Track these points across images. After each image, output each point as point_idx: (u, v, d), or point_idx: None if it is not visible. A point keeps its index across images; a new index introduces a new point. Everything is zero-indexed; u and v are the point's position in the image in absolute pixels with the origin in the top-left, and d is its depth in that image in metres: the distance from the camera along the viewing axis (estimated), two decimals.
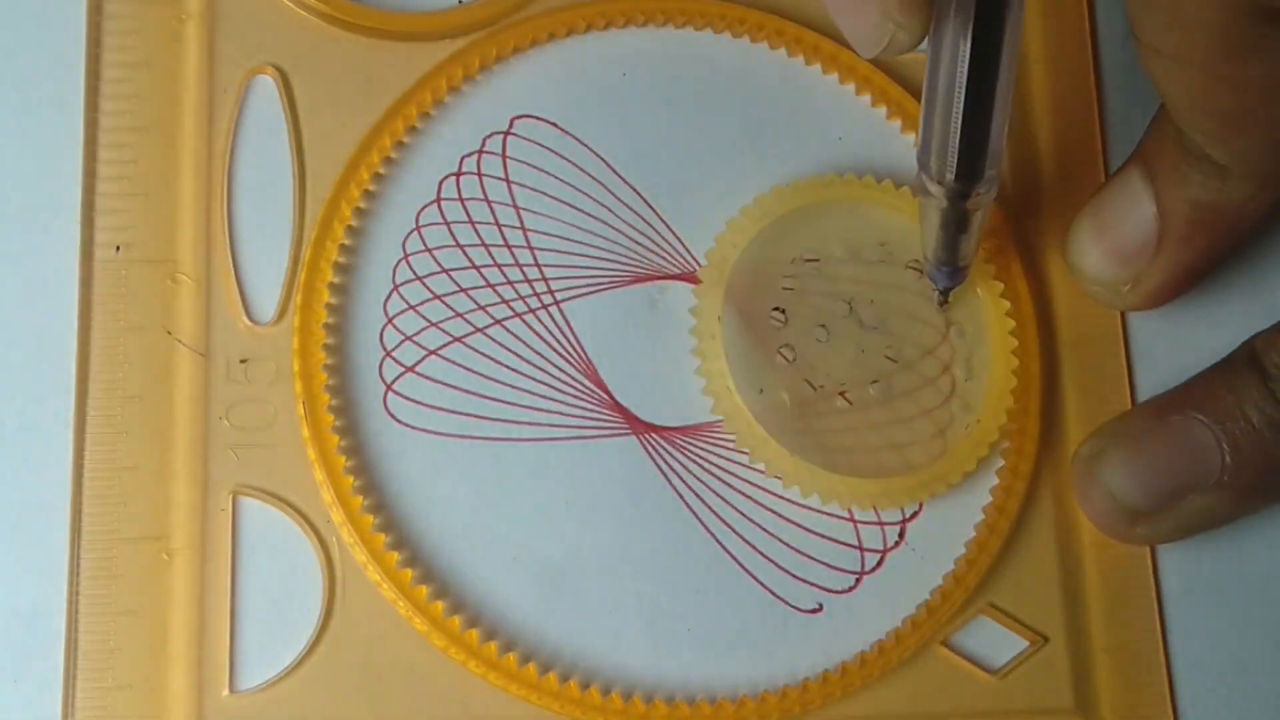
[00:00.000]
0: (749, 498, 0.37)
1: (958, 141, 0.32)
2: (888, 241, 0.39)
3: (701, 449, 0.38)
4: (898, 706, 0.36)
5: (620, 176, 0.39)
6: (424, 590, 0.36)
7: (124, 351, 0.37)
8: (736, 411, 0.37)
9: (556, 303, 0.38)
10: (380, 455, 0.37)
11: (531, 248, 0.39)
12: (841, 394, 0.37)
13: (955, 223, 0.35)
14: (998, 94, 0.31)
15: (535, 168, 0.39)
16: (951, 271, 0.37)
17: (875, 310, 0.38)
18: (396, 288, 0.38)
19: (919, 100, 0.40)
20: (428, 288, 0.38)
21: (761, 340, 0.38)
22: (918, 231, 0.37)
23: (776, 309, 0.38)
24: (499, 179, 0.39)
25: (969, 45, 0.30)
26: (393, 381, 0.38)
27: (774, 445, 0.37)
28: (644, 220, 0.39)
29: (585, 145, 0.39)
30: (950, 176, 0.33)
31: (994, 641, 0.37)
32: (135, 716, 0.35)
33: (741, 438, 0.37)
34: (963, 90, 0.31)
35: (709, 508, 0.37)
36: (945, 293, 0.38)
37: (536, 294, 0.38)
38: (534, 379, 0.38)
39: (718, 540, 0.37)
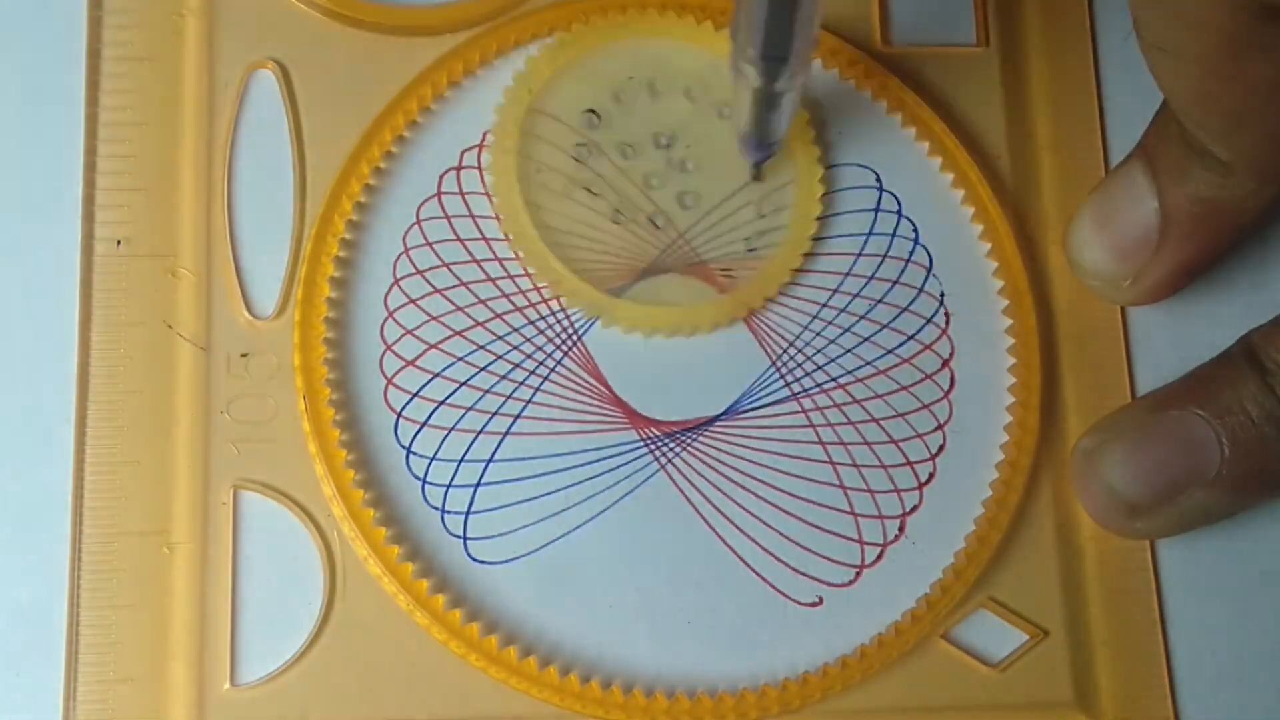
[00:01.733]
0: (749, 491, 0.38)
1: (764, 21, 0.32)
2: (695, 84, 0.40)
3: (702, 444, 0.38)
4: (897, 700, 0.37)
5: (621, 170, 0.39)
6: (425, 584, 0.36)
7: (125, 346, 0.37)
8: (527, 237, 0.38)
9: (557, 296, 0.38)
10: (381, 449, 0.37)
11: None
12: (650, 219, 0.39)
13: (766, 101, 0.35)
14: None
15: None
16: (762, 145, 0.37)
17: (685, 150, 0.39)
18: (397, 281, 0.38)
19: (922, 98, 0.40)
20: (428, 281, 0.38)
21: (562, 176, 0.39)
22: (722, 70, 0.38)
23: (580, 144, 0.39)
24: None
25: None
26: (393, 375, 0.38)
27: (568, 275, 0.38)
28: (644, 214, 0.39)
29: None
30: (757, 56, 0.33)
31: (994, 635, 0.37)
32: (136, 710, 0.35)
33: (540, 270, 0.38)
34: None
35: (709, 501, 0.37)
36: (757, 165, 0.38)
37: (537, 288, 0.38)
38: (534, 373, 0.38)
39: (717, 534, 0.37)
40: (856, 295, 0.39)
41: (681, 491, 0.37)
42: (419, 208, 0.39)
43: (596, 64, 0.40)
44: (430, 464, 0.37)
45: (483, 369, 0.38)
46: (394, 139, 0.39)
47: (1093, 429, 0.38)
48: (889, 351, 0.39)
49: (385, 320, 0.38)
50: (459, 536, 0.37)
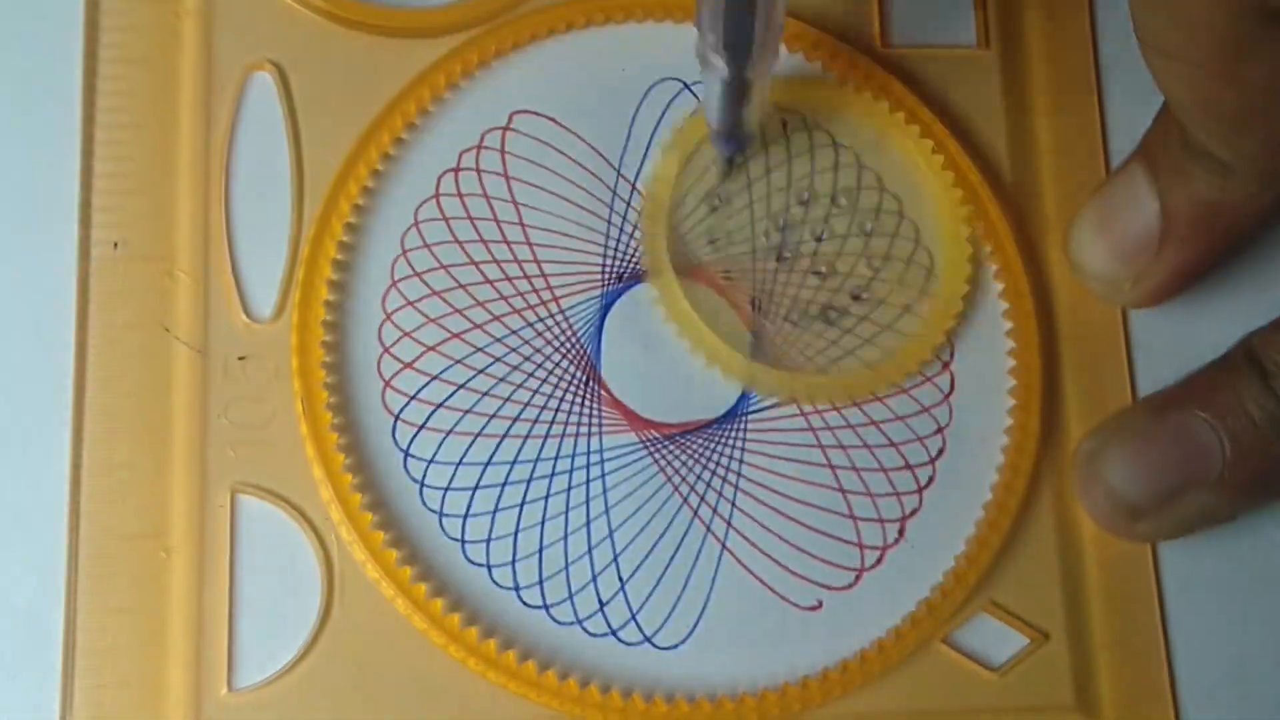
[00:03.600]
0: (748, 495, 0.37)
1: (724, 9, 0.32)
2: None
3: (701, 446, 0.38)
4: (898, 704, 0.36)
5: (619, 172, 0.39)
6: (423, 587, 0.36)
7: (122, 349, 0.37)
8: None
9: (555, 299, 0.38)
10: (378, 452, 0.37)
11: (530, 244, 0.39)
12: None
13: (735, 91, 0.35)
14: None
15: (534, 163, 0.39)
16: (734, 137, 0.37)
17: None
18: (395, 284, 0.38)
19: (922, 99, 0.40)
20: (426, 284, 0.38)
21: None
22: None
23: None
24: (498, 175, 0.39)
25: None
26: (391, 378, 0.37)
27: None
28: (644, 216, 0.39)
29: (584, 141, 0.39)
30: (720, 44, 0.33)
31: (995, 639, 0.37)
32: (133, 714, 0.35)
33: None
34: None
35: (708, 505, 0.37)
36: (729, 160, 0.38)
37: (535, 290, 0.38)
38: (533, 375, 0.38)
39: (717, 537, 0.37)
40: (857, 297, 0.39)
41: (680, 494, 0.37)
42: (417, 210, 0.39)
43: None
44: (428, 467, 0.37)
45: (481, 371, 0.38)
46: (392, 141, 0.39)
47: (1094, 431, 0.38)
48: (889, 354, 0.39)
49: (383, 323, 0.38)
50: (457, 539, 0.37)
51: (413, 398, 0.37)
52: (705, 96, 0.36)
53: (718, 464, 0.38)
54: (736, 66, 0.33)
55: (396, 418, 0.37)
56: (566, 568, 0.37)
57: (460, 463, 0.37)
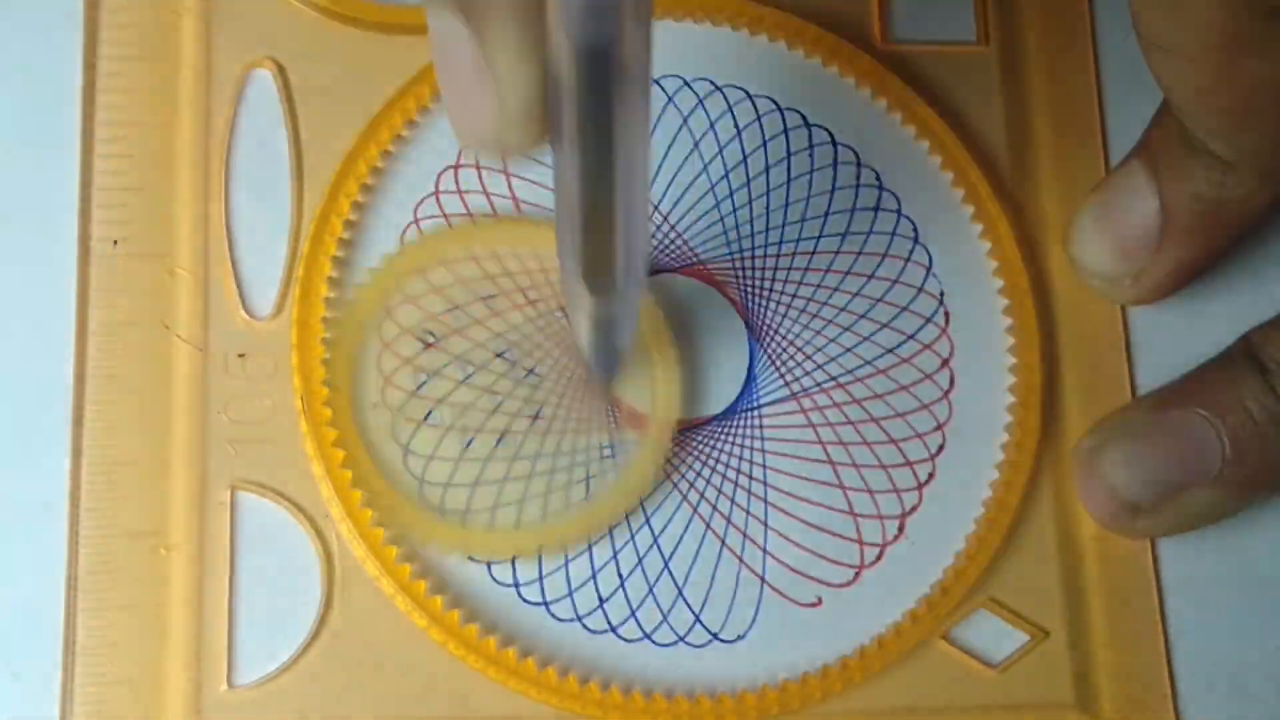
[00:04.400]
0: (747, 491, 0.37)
1: (581, 253, 0.29)
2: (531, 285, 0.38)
3: (701, 443, 0.38)
4: (897, 701, 0.36)
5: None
6: (423, 585, 0.36)
7: (121, 346, 0.37)
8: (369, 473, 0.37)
9: (555, 295, 0.38)
10: (378, 449, 0.37)
11: (530, 241, 0.39)
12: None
13: (601, 321, 0.33)
14: (617, 211, 0.27)
15: (533, 160, 0.39)
16: (607, 364, 0.35)
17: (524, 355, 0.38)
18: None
19: (921, 95, 0.40)
20: (426, 280, 0.38)
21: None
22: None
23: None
24: (497, 171, 0.39)
25: (578, 162, 0.26)
26: (390, 374, 0.37)
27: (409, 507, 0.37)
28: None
29: None
30: (581, 276, 0.30)
31: (994, 635, 0.37)
32: (133, 711, 0.35)
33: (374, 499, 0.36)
34: (577, 205, 0.27)
35: (707, 501, 0.37)
36: (606, 383, 0.37)
37: (535, 286, 0.38)
38: (533, 372, 0.38)
39: (716, 534, 0.37)
40: (856, 294, 0.39)
41: (680, 491, 0.37)
42: (416, 207, 0.39)
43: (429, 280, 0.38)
44: (428, 463, 0.37)
45: (480, 367, 0.38)
46: (391, 138, 0.39)
47: (1093, 429, 0.38)
48: (888, 351, 0.39)
49: (383, 319, 0.38)
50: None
51: (412, 394, 0.37)
52: (571, 320, 0.34)
53: (718, 461, 0.38)
54: (601, 299, 0.31)
55: (396, 414, 0.37)
56: (566, 564, 0.37)
57: (460, 459, 0.37)
